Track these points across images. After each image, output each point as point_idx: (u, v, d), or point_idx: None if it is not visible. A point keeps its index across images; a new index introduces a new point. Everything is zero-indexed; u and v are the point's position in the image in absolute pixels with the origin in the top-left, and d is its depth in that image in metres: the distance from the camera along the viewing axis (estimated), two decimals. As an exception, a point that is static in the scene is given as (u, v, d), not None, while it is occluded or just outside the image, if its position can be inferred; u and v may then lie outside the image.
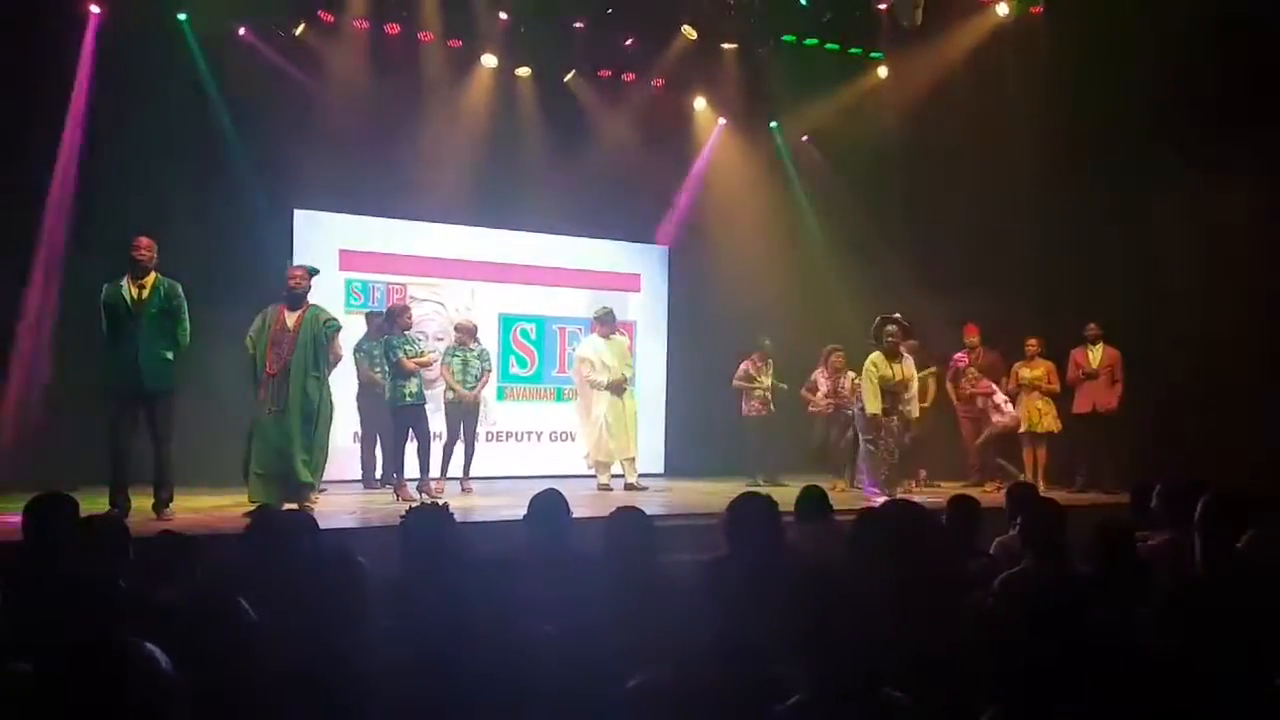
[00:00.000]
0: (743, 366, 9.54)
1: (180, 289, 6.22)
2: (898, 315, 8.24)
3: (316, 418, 6.52)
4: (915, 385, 8.35)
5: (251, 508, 6.31)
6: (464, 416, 8.15)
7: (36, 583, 2.83)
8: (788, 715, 2.09)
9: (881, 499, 7.77)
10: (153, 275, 6.14)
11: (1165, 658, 2.50)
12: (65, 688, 1.38)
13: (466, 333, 8.28)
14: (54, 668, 1.42)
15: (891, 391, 8.11)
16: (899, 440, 8.19)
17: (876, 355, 8.14)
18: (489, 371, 8.43)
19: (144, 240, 6.15)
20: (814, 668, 2.12)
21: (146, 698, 1.40)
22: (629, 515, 3.17)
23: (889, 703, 2.12)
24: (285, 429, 6.40)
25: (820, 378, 9.48)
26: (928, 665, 2.60)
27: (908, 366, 8.23)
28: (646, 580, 2.95)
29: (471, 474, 8.29)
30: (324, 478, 6.90)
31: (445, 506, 3.19)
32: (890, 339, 8.10)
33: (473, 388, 8.15)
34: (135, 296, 6.08)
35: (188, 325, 6.22)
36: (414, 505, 3.28)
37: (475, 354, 8.24)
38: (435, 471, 7.94)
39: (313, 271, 6.82)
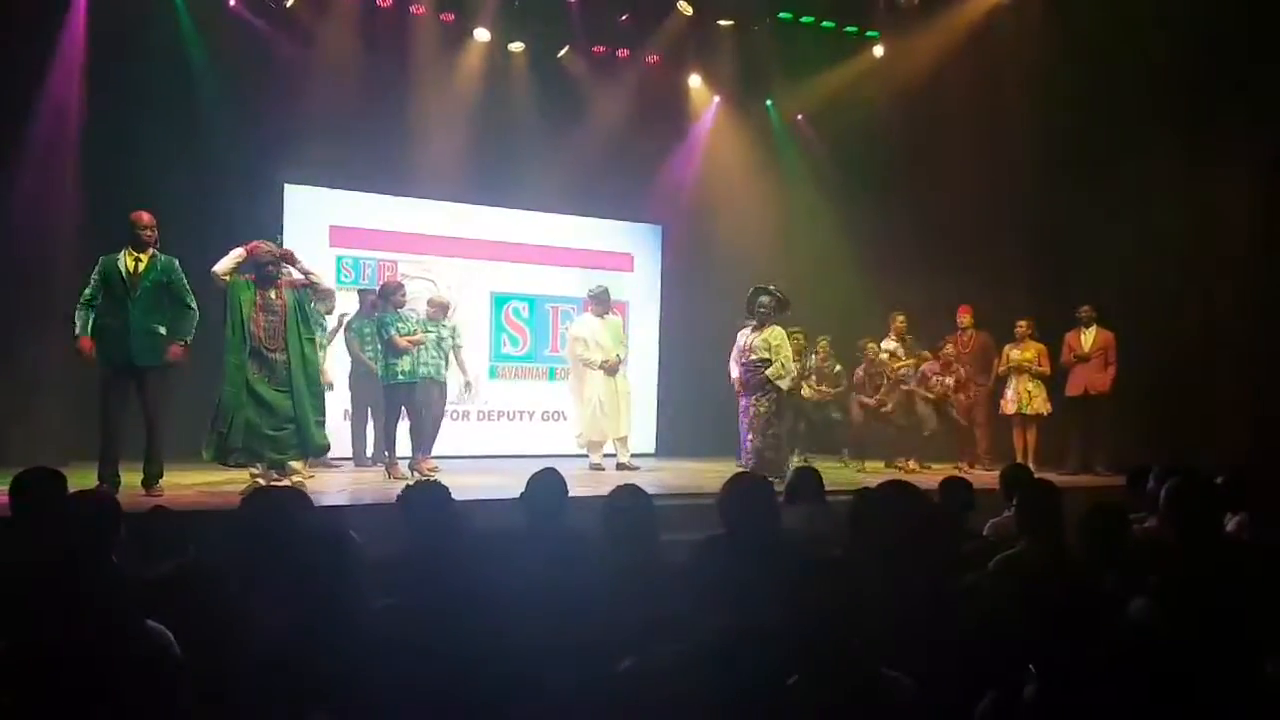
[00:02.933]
0: None
1: (178, 264, 6.17)
2: (772, 286, 7.87)
3: (320, 382, 6.49)
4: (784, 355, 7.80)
5: (248, 483, 6.29)
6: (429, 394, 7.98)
7: (23, 559, 2.80)
8: (789, 696, 2.08)
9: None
10: (150, 250, 6.10)
11: (1164, 638, 2.50)
12: (74, 666, 1.35)
13: (439, 308, 8.15)
14: (47, 647, 1.39)
15: (748, 366, 7.71)
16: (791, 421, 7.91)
17: (746, 330, 7.81)
18: (460, 348, 8.23)
19: (146, 216, 6.09)
20: (816, 649, 2.11)
21: (159, 678, 1.38)
22: (629, 493, 3.15)
23: (891, 684, 2.12)
24: (294, 397, 6.27)
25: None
26: (927, 647, 2.60)
27: (773, 338, 7.73)
28: (646, 560, 2.94)
29: (461, 453, 8.24)
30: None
31: (441, 484, 3.17)
32: (762, 310, 7.73)
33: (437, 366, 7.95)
34: (131, 269, 6.03)
35: (192, 299, 6.17)
36: (412, 482, 3.25)
37: (449, 330, 8.09)
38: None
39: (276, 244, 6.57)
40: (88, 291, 6.01)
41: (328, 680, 2.10)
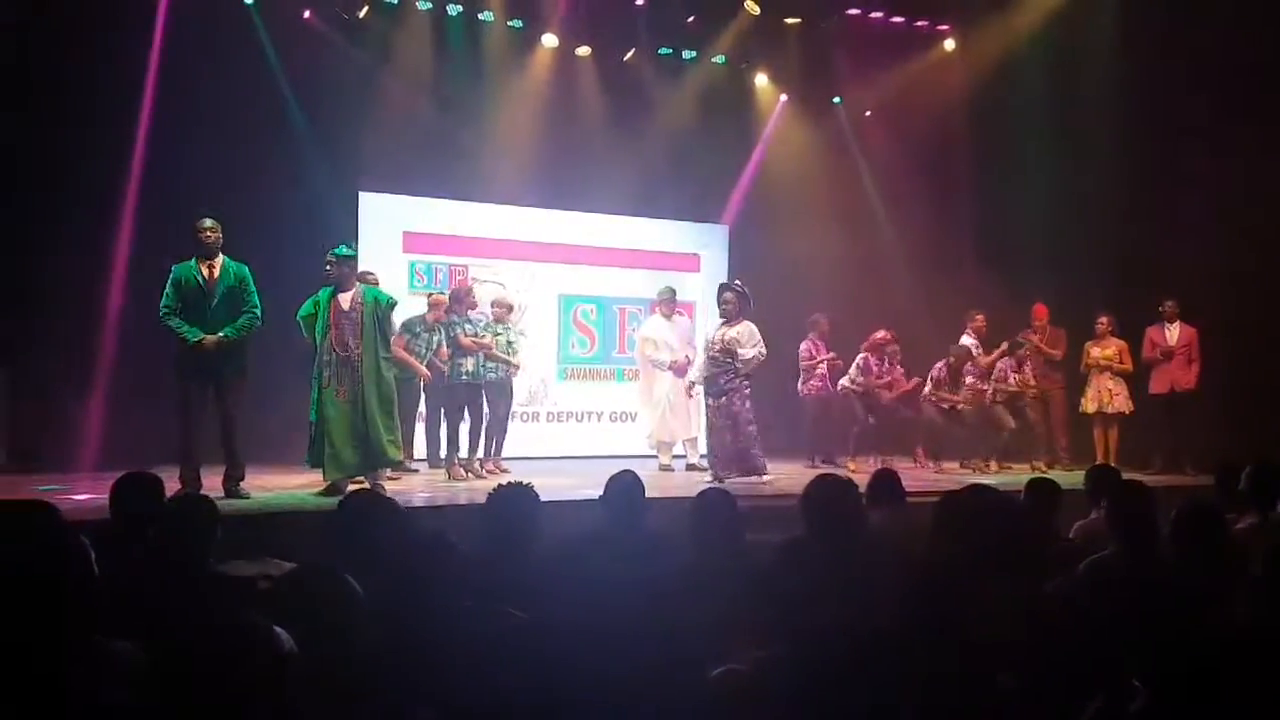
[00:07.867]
0: (804, 346, 9.42)
1: (248, 271, 6.31)
2: (736, 283, 7.75)
3: (394, 398, 6.50)
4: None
5: (324, 486, 6.43)
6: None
7: (125, 561, 2.89)
8: (891, 700, 2.05)
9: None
10: (221, 256, 6.23)
11: (1264, 638, 2.41)
12: (194, 669, 1.39)
13: (504, 309, 8.12)
14: (178, 649, 1.44)
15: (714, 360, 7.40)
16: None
17: (717, 325, 7.56)
18: (517, 349, 8.11)
19: (208, 222, 6.20)
20: (917, 653, 2.08)
21: (276, 680, 1.41)
22: (715, 496, 3.15)
23: (1000, 688, 2.08)
24: (364, 413, 6.33)
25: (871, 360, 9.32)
26: (1018, 651, 2.56)
27: (745, 333, 7.45)
28: (731, 563, 2.93)
29: (531, 454, 8.29)
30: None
31: (530, 486, 3.20)
32: (725, 306, 7.50)
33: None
34: (207, 276, 6.17)
35: (258, 304, 6.28)
36: (500, 485, 3.27)
37: (512, 332, 8.05)
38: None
39: (341, 254, 6.55)
40: (167, 302, 6.11)
41: (431, 679, 2.14)
